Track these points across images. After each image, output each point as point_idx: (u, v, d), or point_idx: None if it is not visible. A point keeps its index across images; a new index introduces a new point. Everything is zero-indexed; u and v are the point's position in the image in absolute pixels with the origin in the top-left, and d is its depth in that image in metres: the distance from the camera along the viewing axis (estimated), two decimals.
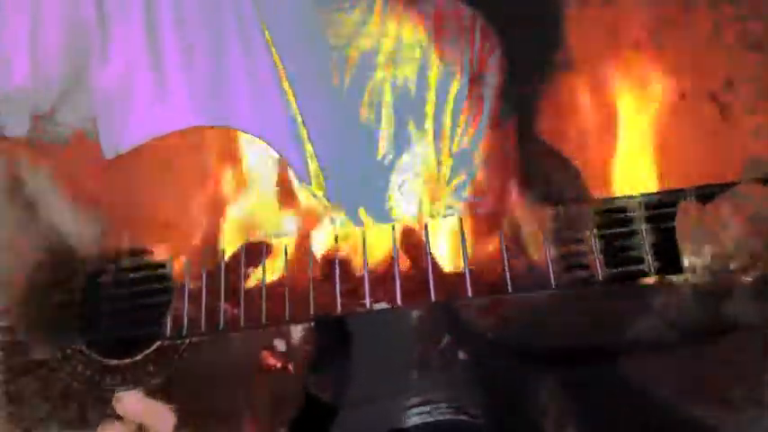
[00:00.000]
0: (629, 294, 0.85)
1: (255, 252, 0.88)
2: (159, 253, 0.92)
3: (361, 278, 0.84)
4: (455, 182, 1.15)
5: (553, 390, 1.01)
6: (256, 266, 0.87)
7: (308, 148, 1.04)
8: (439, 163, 1.13)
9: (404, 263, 0.87)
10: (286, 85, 1.05)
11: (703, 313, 0.79)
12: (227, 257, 0.88)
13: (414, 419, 1.00)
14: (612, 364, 0.96)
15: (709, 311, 0.78)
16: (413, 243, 0.85)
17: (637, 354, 0.94)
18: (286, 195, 0.93)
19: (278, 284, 0.87)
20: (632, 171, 0.93)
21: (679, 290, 0.79)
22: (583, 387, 1.01)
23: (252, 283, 0.88)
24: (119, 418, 0.84)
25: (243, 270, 0.88)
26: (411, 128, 1.10)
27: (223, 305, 0.88)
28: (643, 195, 0.78)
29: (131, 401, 0.84)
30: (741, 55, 1.10)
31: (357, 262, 0.86)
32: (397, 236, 0.85)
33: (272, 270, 0.89)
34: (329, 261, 0.86)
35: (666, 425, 0.99)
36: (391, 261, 0.84)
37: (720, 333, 0.81)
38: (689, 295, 0.78)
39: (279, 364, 0.87)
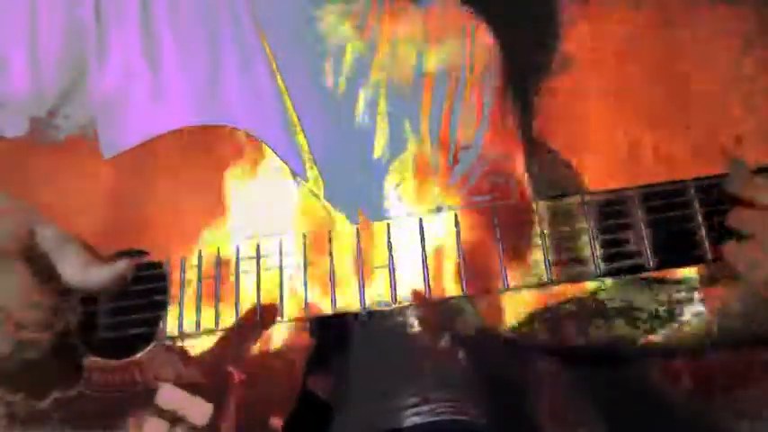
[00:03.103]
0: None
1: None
2: (156, 253, 0.92)
3: None
4: (456, 182, 1.15)
5: (566, 390, 1.01)
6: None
7: (305, 147, 1.03)
8: (438, 163, 1.12)
9: None
10: (281, 84, 1.05)
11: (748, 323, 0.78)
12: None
13: (413, 419, 0.99)
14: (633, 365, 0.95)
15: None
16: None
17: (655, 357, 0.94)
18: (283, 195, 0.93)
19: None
20: (629, 168, 0.93)
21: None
22: (597, 388, 1.01)
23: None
24: (154, 412, 0.85)
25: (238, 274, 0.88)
26: (407, 128, 1.09)
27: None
28: (640, 188, 0.77)
29: (169, 392, 0.85)
30: (740, 58, 1.10)
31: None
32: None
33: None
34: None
35: (676, 428, 0.98)
36: None
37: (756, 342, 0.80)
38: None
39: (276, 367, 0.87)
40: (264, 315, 0.87)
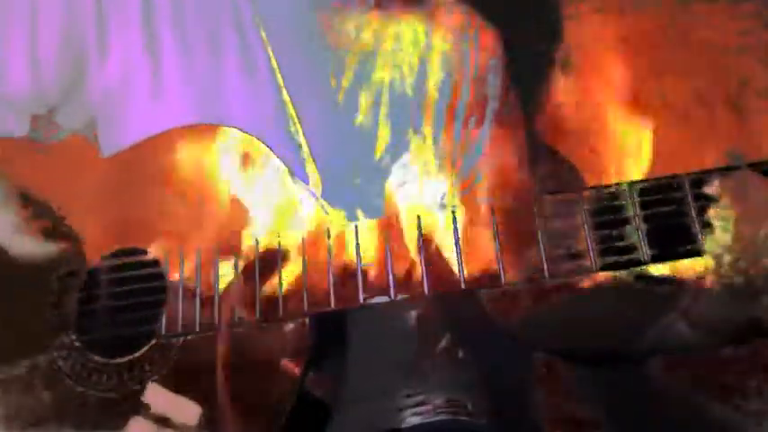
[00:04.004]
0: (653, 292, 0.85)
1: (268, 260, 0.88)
2: (154, 251, 0.92)
3: None
4: (458, 183, 1.14)
5: (567, 390, 1.00)
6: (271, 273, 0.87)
7: (305, 147, 1.04)
8: (442, 166, 1.12)
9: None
10: (282, 84, 1.05)
11: (732, 313, 0.78)
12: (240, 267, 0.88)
13: (412, 419, 0.99)
14: (633, 364, 0.95)
15: (739, 311, 0.77)
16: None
17: (658, 355, 0.94)
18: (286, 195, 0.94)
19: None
20: (629, 168, 0.93)
21: (705, 288, 0.79)
22: (597, 388, 1.01)
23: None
24: (142, 413, 0.85)
25: (237, 272, 0.88)
26: (409, 129, 1.09)
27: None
28: (635, 182, 0.78)
29: (157, 394, 0.85)
30: (738, 60, 1.09)
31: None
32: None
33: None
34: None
35: (677, 428, 0.98)
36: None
37: (753, 334, 0.80)
38: (716, 293, 0.78)
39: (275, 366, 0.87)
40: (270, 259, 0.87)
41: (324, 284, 0.86)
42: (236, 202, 0.94)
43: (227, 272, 0.89)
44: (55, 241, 0.88)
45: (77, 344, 0.92)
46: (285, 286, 0.87)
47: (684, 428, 0.94)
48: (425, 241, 0.85)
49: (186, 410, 0.84)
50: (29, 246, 0.86)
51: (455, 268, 0.82)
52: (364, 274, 0.85)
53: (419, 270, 0.83)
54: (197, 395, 0.86)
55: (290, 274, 0.88)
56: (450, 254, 0.84)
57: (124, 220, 0.94)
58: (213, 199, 0.94)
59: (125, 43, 1.03)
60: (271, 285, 0.88)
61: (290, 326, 0.88)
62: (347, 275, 0.86)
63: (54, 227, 0.91)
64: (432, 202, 1.09)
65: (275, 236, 0.90)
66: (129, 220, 0.94)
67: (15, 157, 0.98)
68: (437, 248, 0.85)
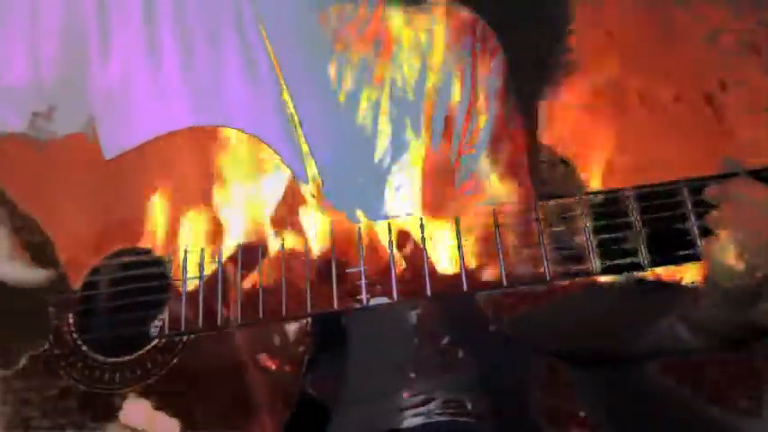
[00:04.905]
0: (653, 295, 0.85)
1: (252, 253, 0.88)
2: (156, 251, 0.92)
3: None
4: (459, 185, 1.15)
5: (566, 390, 1.01)
6: (253, 269, 0.88)
7: (305, 148, 1.04)
8: (440, 166, 1.12)
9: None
10: (284, 85, 1.05)
11: (731, 317, 0.79)
12: (224, 258, 0.89)
13: (413, 420, 1.00)
14: (633, 365, 0.96)
15: (738, 315, 0.78)
16: (408, 245, 0.86)
17: (658, 358, 0.95)
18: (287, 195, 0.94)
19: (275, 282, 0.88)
20: (628, 168, 0.93)
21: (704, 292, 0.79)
22: (597, 388, 1.01)
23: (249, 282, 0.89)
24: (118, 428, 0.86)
25: (239, 267, 0.88)
26: (408, 131, 1.09)
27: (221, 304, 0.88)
28: (636, 188, 0.78)
29: (136, 411, 0.86)
30: (737, 58, 1.10)
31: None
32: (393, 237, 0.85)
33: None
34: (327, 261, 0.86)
35: (676, 427, 0.98)
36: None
37: (752, 338, 0.81)
38: (716, 298, 0.78)
39: (275, 366, 0.87)
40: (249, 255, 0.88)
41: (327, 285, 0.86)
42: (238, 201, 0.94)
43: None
44: (43, 267, 0.89)
45: (80, 343, 0.92)
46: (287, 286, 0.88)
47: (684, 429, 0.95)
48: (401, 244, 0.86)
49: (164, 425, 0.84)
50: (18, 272, 0.87)
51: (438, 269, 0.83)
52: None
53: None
54: (194, 394, 0.87)
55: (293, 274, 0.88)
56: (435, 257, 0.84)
57: (125, 219, 0.95)
58: (216, 198, 0.94)
59: (126, 44, 1.03)
60: (273, 285, 0.88)
61: (292, 326, 0.88)
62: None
63: (42, 251, 0.92)
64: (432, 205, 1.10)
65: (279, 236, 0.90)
66: (131, 220, 0.94)
67: (11, 154, 0.99)
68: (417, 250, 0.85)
